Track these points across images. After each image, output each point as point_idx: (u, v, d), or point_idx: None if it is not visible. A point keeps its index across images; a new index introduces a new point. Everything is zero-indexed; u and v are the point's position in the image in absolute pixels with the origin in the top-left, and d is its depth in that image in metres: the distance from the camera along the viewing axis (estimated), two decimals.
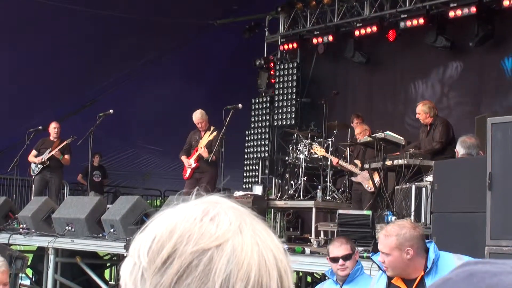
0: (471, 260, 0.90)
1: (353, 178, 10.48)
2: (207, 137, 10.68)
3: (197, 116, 10.79)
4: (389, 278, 4.34)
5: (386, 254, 4.22)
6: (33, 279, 11.26)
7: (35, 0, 12.34)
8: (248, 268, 0.90)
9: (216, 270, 0.89)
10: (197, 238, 0.91)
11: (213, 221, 0.93)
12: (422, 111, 9.44)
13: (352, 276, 5.17)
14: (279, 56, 15.02)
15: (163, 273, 0.91)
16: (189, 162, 10.73)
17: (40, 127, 12.25)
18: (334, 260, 5.24)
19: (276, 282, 0.92)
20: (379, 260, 4.31)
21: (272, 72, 14.96)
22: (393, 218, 7.77)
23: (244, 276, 0.89)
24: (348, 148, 11.47)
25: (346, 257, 5.22)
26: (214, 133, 10.49)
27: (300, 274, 10.11)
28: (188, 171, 10.80)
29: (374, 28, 12.75)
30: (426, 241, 4.32)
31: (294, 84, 14.24)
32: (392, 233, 4.18)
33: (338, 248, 5.28)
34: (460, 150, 7.35)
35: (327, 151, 10.77)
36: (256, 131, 14.79)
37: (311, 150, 10.92)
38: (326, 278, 5.57)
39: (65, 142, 12.01)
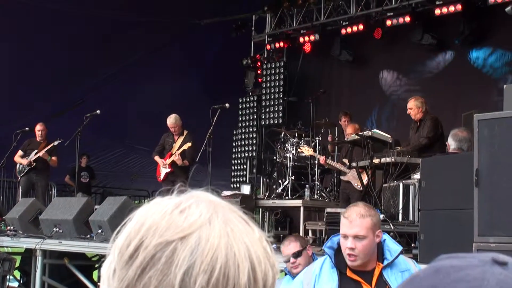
0: (443, 255, 0.88)
1: (342, 177, 10.47)
2: (180, 142, 10.89)
3: (171, 121, 10.96)
4: (341, 272, 3.72)
5: (362, 237, 3.64)
6: (21, 281, 11.18)
7: (22, 2, 12.28)
8: (213, 260, 0.87)
9: (178, 262, 0.87)
10: (162, 230, 0.90)
11: (182, 213, 0.92)
12: (414, 105, 9.32)
13: None
14: (266, 55, 15.02)
15: (129, 267, 0.90)
16: (164, 162, 10.97)
17: (27, 128, 12.19)
18: (286, 259, 5.23)
19: (246, 274, 0.89)
20: (347, 247, 3.65)
21: (259, 72, 14.96)
22: (381, 216, 7.79)
23: (207, 268, 0.87)
24: (331, 146, 11.52)
25: (296, 254, 5.25)
26: (189, 144, 10.59)
27: None
28: (162, 173, 11.02)
29: (361, 27, 12.79)
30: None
31: (281, 83, 14.25)
32: (366, 214, 3.67)
33: (287, 246, 5.31)
34: (451, 143, 7.31)
35: (314, 150, 10.77)
36: (243, 130, 14.78)
37: (299, 150, 10.91)
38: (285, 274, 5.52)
39: (51, 145, 11.95)
